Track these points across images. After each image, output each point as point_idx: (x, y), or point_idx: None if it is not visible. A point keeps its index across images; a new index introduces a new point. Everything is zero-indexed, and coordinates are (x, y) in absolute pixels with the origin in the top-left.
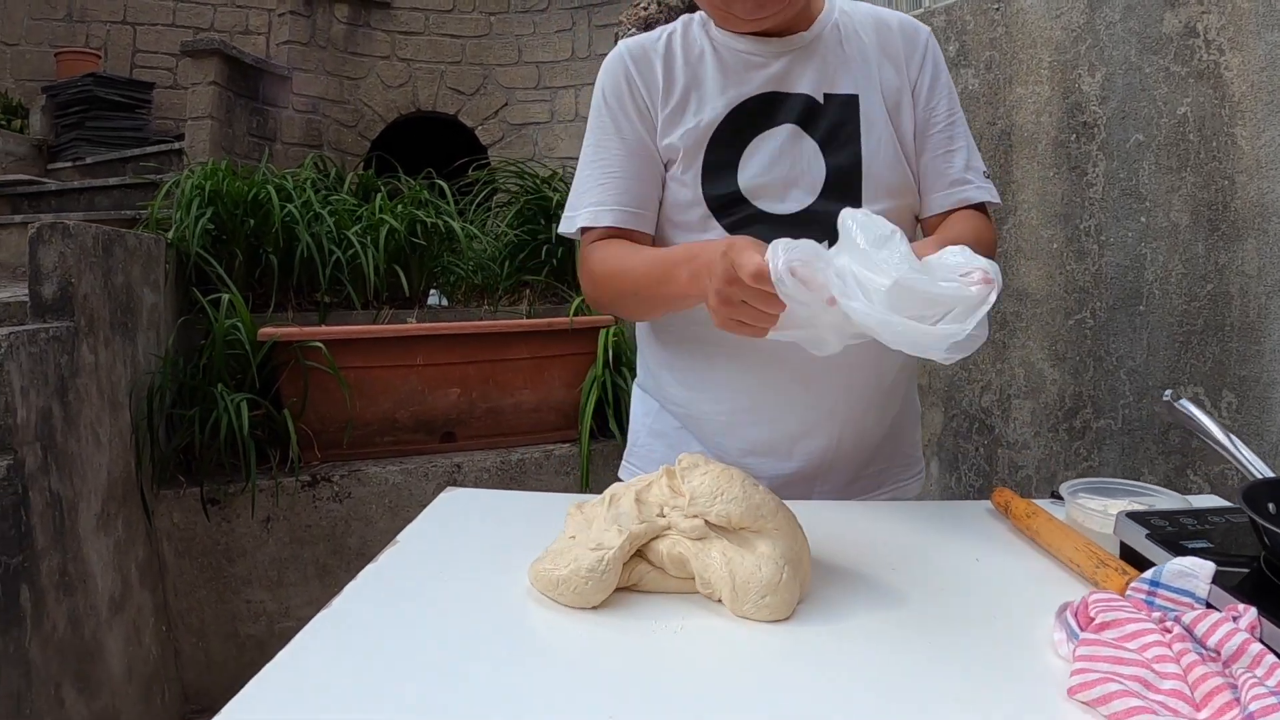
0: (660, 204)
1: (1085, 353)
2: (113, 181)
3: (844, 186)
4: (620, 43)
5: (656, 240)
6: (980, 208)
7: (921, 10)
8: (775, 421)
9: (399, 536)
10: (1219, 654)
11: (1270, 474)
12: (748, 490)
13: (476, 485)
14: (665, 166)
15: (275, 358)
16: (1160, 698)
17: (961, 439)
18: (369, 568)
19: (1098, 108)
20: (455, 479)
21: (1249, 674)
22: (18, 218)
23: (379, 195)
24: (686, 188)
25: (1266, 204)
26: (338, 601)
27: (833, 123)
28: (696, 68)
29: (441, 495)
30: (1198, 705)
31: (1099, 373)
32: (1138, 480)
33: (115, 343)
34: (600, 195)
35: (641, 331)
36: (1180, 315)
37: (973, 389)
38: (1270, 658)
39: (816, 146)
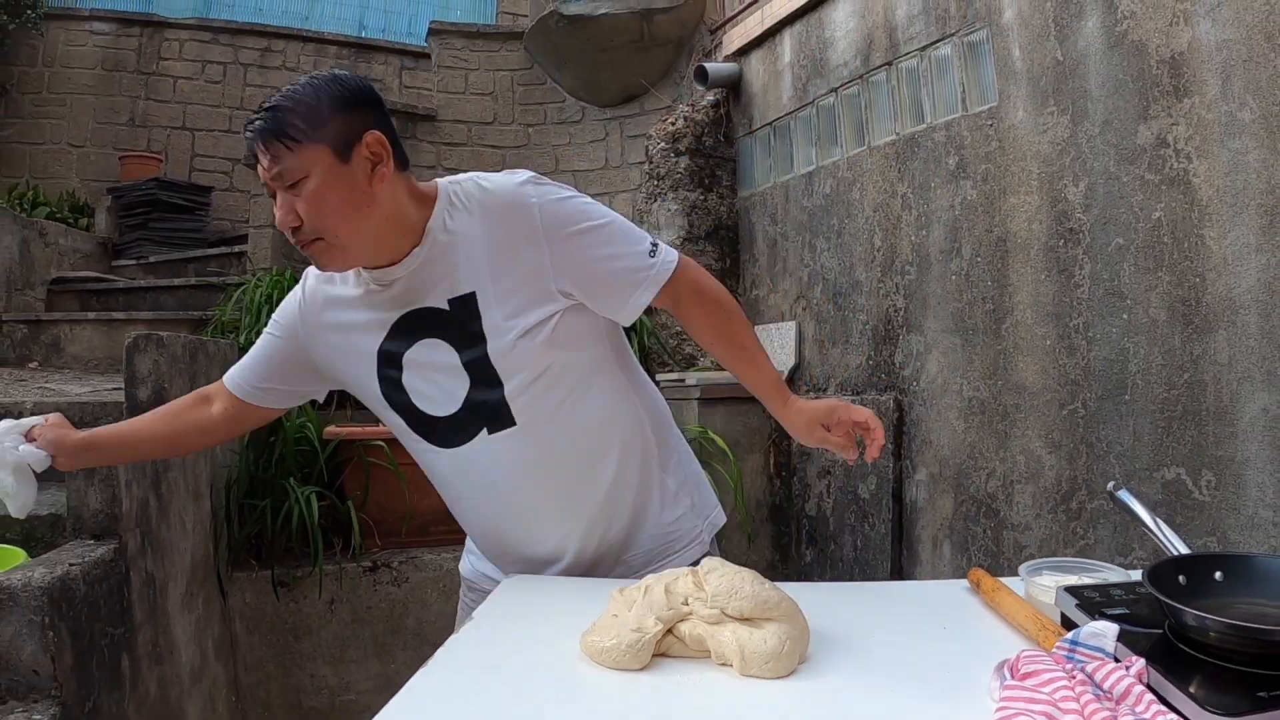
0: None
1: (1078, 440)
2: (178, 282)
3: (483, 376)
4: (309, 270)
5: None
6: (672, 281)
7: (924, 126)
8: (504, 538)
9: (474, 613)
10: (1111, 694)
11: (1186, 551)
12: (756, 588)
13: None
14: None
15: (340, 454)
16: None
17: (970, 522)
18: (452, 638)
19: (1082, 215)
20: None
21: (1130, 711)
22: (90, 314)
23: None
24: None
25: (1234, 298)
26: (431, 665)
27: (459, 324)
28: (352, 303)
29: (505, 581)
30: None
31: (1091, 458)
32: (1127, 555)
33: None
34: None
35: None
36: (1161, 403)
37: (979, 476)
38: (1148, 696)
39: (454, 351)
